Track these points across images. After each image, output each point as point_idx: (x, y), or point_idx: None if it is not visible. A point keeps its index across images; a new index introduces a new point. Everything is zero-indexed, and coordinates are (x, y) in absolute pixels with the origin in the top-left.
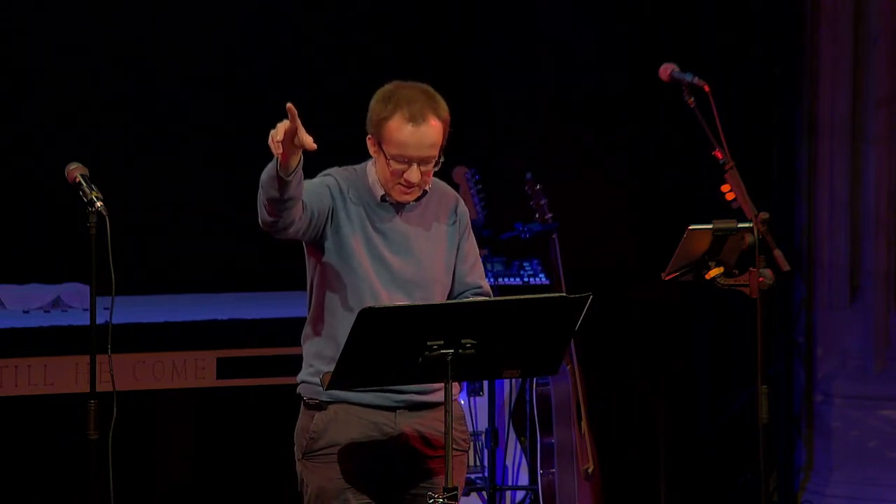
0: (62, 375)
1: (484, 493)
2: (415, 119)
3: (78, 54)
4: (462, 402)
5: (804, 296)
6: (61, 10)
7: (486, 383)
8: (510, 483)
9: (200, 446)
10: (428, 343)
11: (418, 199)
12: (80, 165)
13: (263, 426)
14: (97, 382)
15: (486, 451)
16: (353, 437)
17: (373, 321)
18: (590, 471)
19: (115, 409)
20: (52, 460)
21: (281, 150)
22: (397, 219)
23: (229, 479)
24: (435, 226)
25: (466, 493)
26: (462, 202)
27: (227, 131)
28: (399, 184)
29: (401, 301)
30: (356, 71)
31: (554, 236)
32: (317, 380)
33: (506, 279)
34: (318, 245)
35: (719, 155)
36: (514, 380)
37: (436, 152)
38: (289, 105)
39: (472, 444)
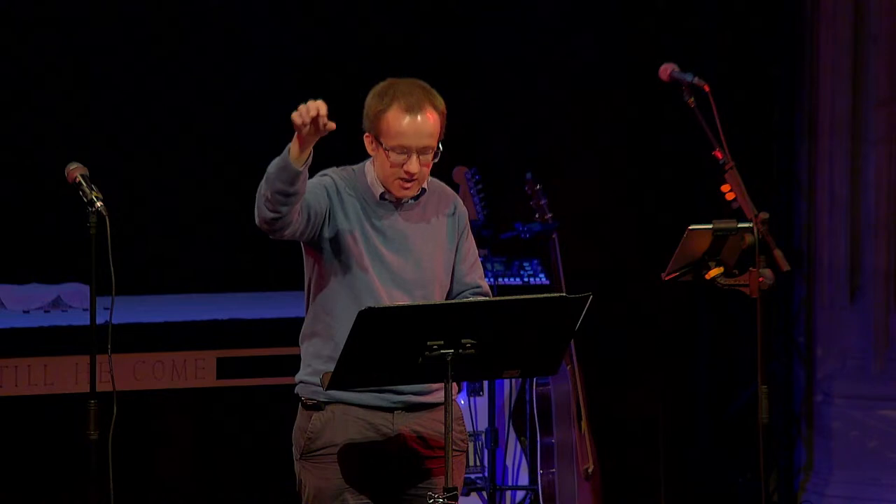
0: (62, 375)
1: (484, 493)
2: (412, 109)
3: (78, 54)
4: (461, 402)
5: (804, 296)
6: (61, 11)
7: (486, 383)
8: (510, 483)
9: (200, 446)
10: (428, 343)
11: (417, 197)
12: (80, 165)
13: (263, 426)
14: (97, 382)
15: (486, 451)
16: (351, 437)
17: (373, 321)
18: (590, 471)
19: (115, 409)
20: (52, 460)
21: (308, 127)
22: (396, 218)
23: (229, 479)
24: (434, 225)
25: (466, 493)
26: (461, 202)
27: (227, 132)
28: (399, 178)
29: (400, 300)
30: (356, 70)
31: (554, 236)
32: (315, 380)
33: (506, 279)
34: (315, 245)
35: (719, 155)
36: (514, 380)
37: (434, 143)
38: (321, 105)
39: (471, 444)
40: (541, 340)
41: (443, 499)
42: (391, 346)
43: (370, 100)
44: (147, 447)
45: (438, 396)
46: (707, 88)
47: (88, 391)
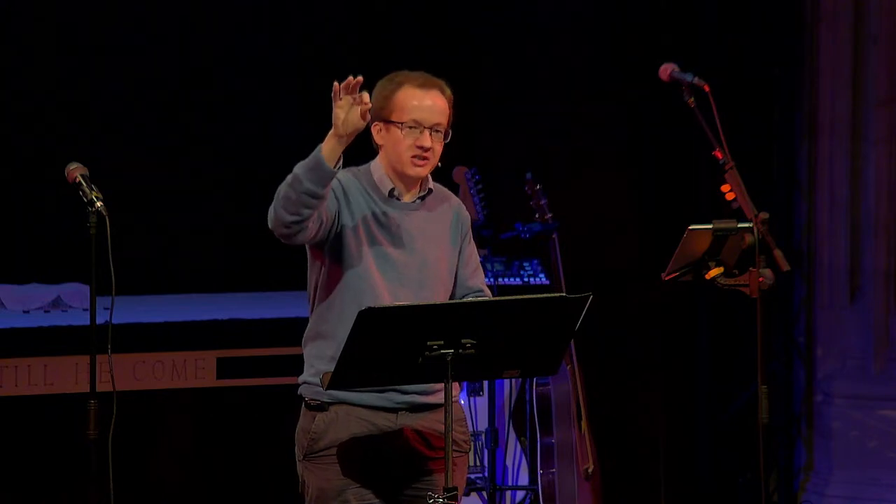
0: (62, 375)
1: (484, 493)
2: (424, 86)
3: (78, 54)
4: (462, 403)
5: (804, 296)
6: (62, 11)
7: (486, 383)
8: (510, 483)
9: (200, 446)
10: (428, 343)
11: (423, 198)
12: (80, 165)
13: (263, 426)
14: (97, 382)
15: (486, 451)
16: (354, 437)
17: (373, 321)
18: (590, 471)
19: (115, 409)
20: (52, 460)
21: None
22: (402, 217)
23: (229, 480)
24: (439, 226)
25: (466, 493)
26: (463, 206)
27: (227, 132)
28: (413, 154)
29: (405, 299)
30: (356, 70)
31: (554, 236)
32: (318, 380)
33: (506, 279)
34: (322, 247)
35: (719, 155)
36: (514, 380)
37: (445, 122)
38: (359, 78)
39: (472, 444)
40: (541, 340)
41: (443, 499)
42: (391, 345)
43: (378, 87)
44: (147, 447)
45: (441, 397)
46: (707, 88)
47: (88, 391)
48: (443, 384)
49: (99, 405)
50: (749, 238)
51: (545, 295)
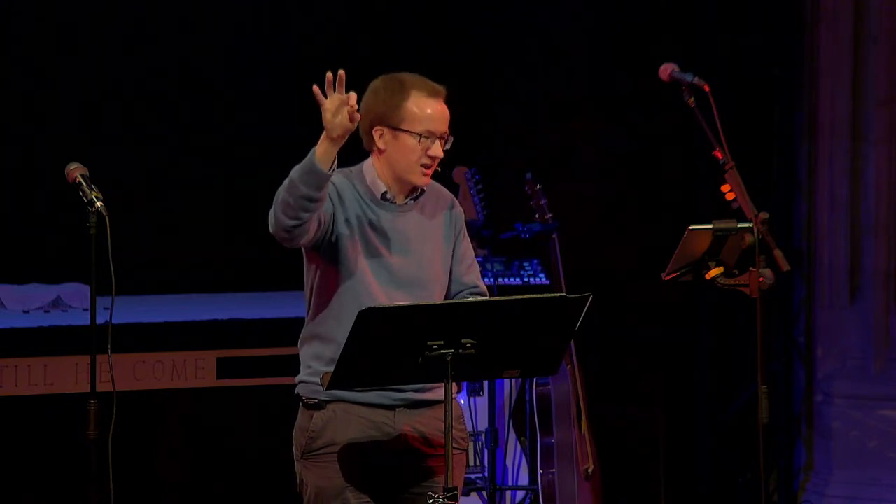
0: (62, 375)
1: (484, 493)
2: (434, 94)
3: (78, 54)
4: (461, 402)
5: (804, 296)
6: (62, 11)
7: (486, 383)
8: (510, 483)
9: (200, 446)
10: (428, 343)
11: (416, 198)
12: (80, 165)
13: (263, 426)
14: (97, 382)
15: (486, 451)
16: (352, 436)
17: (373, 321)
18: (590, 471)
19: (115, 409)
20: (52, 460)
21: (338, 132)
22: (396, 218)
23: (229, 479)
24: (432, 225)
25: (466, 493)
26: (457, 202)
27: (227, 132)
28: (423, 164)
29: (400, 301)
30: (357, 70)
31: (554, 236)
32: (315, 379)
33: (506, 279)
34: (318, 250)
35: (719, 155)
36: (514, 380)
37: (448, 129)
38: (341, 72)
39: (471, 443)
40: (541, 340)
41: (443, 499)
42: (391, 346)
43: (378, 95)
44: (147, 447)
45: (440, 394)
46: (707, 88)
47: (88, 391)
48: (441, 382)
49: (99, 405)
50: (749, 238)
51: (545, 295)
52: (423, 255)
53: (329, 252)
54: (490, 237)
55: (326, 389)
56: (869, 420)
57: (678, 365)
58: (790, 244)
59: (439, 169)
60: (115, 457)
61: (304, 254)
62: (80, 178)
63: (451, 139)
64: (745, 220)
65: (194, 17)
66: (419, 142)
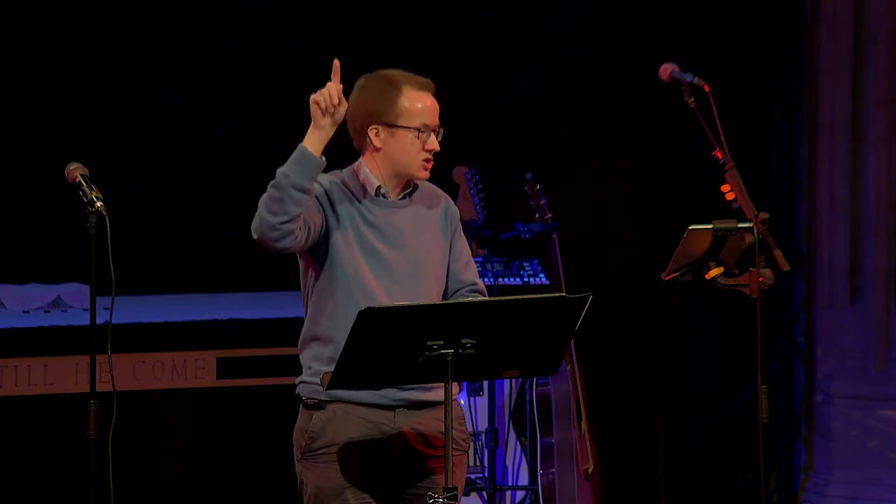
0: (62, 375)
1: (484, 493)
2: (423, 87)
3: (79, 54)
4: (462, 402)
5: (804, 296)
6: (62, 10)
7: (486, 383)
8: (510, 483)
9: (200, 446)
10: (428, 343)
11: (410, 194)
12: (80, 165)
13: (263, 426)
14: (97, 382)
15: (486, 451)
16: (352, 436)
17: (372, 321)
18: (590, 471)
19: (115, 409)
20: (52, 460)
21: (331, 116)
22: (391, 214)
23: (229, 479)
24: (428, 220)
25: (466, 493)
26: (451, 201)
27: (227, 131)
28: (424, 158)
29: (398, 296)
30: (357, 70)
31: (554, 236)
32: (316, 380)
33: (506, 279)
34: (310, 252)
35: (719, 155)
36: (514, 380)
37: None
38: (336, 62)
39: (471, 443)
40: (541, 340)
41: (443, 499)
42: (391, 346)
43: (368, 93)
44: (147, 447)
45: (440, 394)
46: (707, 88)
47: (88, 391)
48: (441, 382)
49: (99, 405)
50: (749, 238)
51: (545, 295)
52: (420, 248)
53: (322, 254)
54: (490, 237)
55: (326, 389)
56: (869, 420)
57: (678, 365)
58: (790, 244)
59: (417, 184)
60: (115, 457)
61: (299, 259)
62: (80, 178)
63: (441, 131)
64: (745, 220)
65: (195, 18)
66: (417, 136)
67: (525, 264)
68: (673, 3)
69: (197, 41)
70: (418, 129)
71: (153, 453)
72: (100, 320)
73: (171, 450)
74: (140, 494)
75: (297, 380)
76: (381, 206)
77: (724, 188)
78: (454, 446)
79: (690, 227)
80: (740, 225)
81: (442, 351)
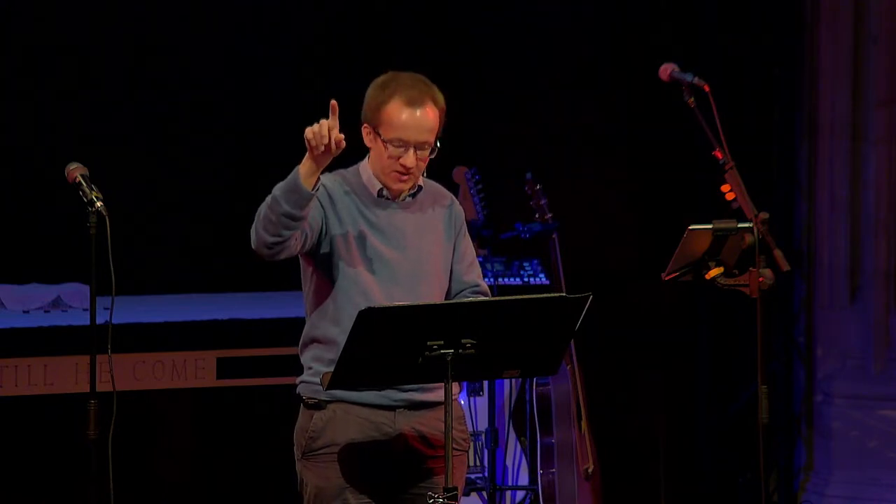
0: (62, 375)
1: (484, 493)
2: (413, 103)
3: (78, 54)
4: (462, 402)
5: (804, 296)
6: (62, 10)
7: (486, 383)
8: (510, 483)
9: (200, 446)
10: (428, 343)
11: (414, 195)
12: (80, 165)
13: (263, 426)
14: (97, 382)
15: (486, 451)
16: (352, 436)
17: (372, 321)
18: (590, 471)
19: (115, 409)
20: (52, 460)
21: (323, 150)
22: (393, 214)
23: (229, 479)
24: (431, 221)
25: (466, 493)
26: (456, 202)
27: (227, 131)
28: (395, 170)
29: (399, 297)
30: (357, 70)
31: (554, 236)
32: (316, 380)
33: (506, 279)
34: (312, 254)
35: (719, 155)
36: (514, 380)
37: (432, 138)
38: (333, 102)
39: (471, 443)
40: (541, 340)
41: (443, 499)
42: (391, 346)
43: (371, 91)
44: (147, 447)
45: (440, 395)
46: (707, 88)
47: (88, 391)
48: (441, 382)
49: (99, 405)
50: (749, 238)
51: (545, 295)
52: (422, 250)
53: (324, 255)
54: (490, 237)
55: (326, 389)
56: (869, 420)
57: (678, 365)
58: (790, 244)
59: (424, 176)
60: (115, 457)
61: (300, 258)
62: (80, 178)
63: (434, 148)
64: (745, 220)
65: (195, 18)
66: (386, 148)
67: (525, 264)
68: (673, 3)
69: (197, 41)
70: (389, 142)
71: (153, 453)
72: (100, 320)
73: (171, 450)
74: (140, 494)
75: (298, 379)
76: (384, 206)
77: (724, 188)
78: (454, 446)
79: (690, 227)
80: (740, 225)
81: (442, 351)
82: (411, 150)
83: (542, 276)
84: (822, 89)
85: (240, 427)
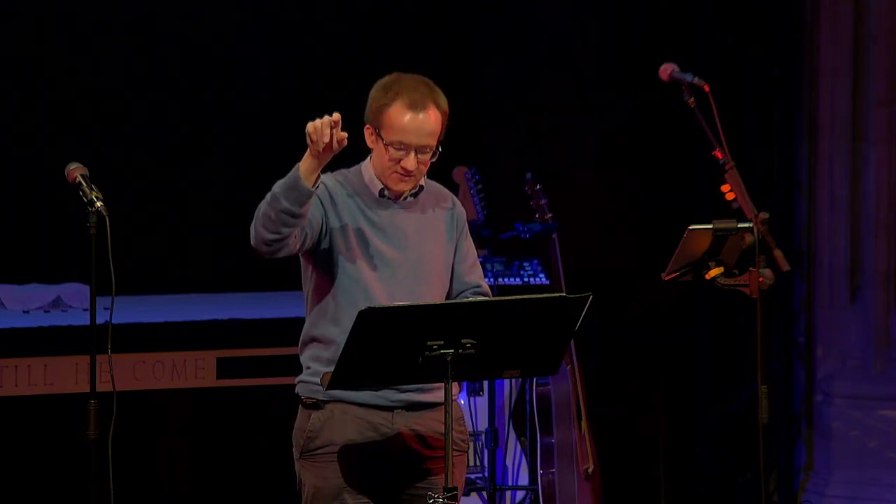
0: (62, 375)
1: (484, 493)
2: (415, 106)
3: (78, 54)
4: (461, 402)
5: (804, 296)
6: (62, 10)
7: (486, 383)
8: (510, 483)
9: (200, 446)
10: (428, 343)
11: (415, 195)
12: (80, 165)
13: (263, 426)
14: (97, 382)
15: (486, 451)
16: (350, 436)
17: (372, 321)
18: (590, 471)
19: (115, 409)
20: (52, 460)
21: (323, 147)
22: (395, 214)
23: (229, 479)
24: (433, 221)
25: (466, 493)
26: (458, 203)
27: (227, 131)
28: (396, 172)
29: (400, 297)
30: (358, 71)
31: (554, 236)
32: (315, 379)
33: (506, 279)
34: (312, 253)
35: (719, 155)
36: (514, 380)
37: (434, 142)
38: (336, 115)
39: (471, 443)
40: (541, 340)
41: (443, 499)
42: (391, 346)
43: (374, 92)
44: (147, 447)
45: (439, 395)
46: (707, 88)
47: (88, 391)
48: (439, 383)
49: (99, 405)
50: (749, 238)
51: (545, 295)
52: (423, 249)
53: (325, 254)
54: (490, 237)
55: (326, 389)
56: (869, 420)
57: (678, 365)
58: (790, 244)
59: (427, 180)
60: (115, 457)
61: (300, 258)
62: (80, 178)
63: (436, 151)
64: (745, 220)
65: (195, 18)
66: (387, 150)
67: (525, 264)
68: (673, 3)
69: (197, 41)
70: (390, 144)
71: (153, 453)
72: (100, 320)
73: (171, 450)
74: (140, 494)
75: (297, 379)
76: (385, 206)
77: (724, 188)
78: (453, 447)
79: (690, 227)
80: (740, 225)
81: (442, 351)
82: (412, 153)
83: (542, 276)
84: (822, 89)
85: (240, 427)
